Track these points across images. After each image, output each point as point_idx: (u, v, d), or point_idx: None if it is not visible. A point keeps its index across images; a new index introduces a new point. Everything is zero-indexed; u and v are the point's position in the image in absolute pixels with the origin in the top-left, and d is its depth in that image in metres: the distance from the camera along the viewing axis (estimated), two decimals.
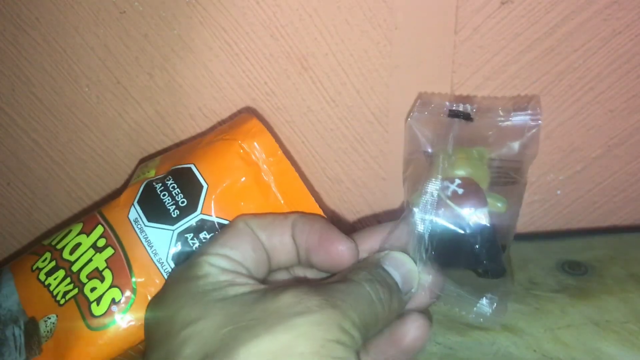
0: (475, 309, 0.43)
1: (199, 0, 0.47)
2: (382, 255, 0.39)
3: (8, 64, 0.51)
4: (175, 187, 0.42)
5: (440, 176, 0.43)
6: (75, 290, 0.40)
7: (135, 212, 0.42)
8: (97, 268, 0.40)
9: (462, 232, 0.43)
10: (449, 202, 0.43)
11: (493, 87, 0.50)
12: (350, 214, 0.57)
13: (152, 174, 0.44)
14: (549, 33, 0.47)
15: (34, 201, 0.57)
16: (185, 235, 0.40)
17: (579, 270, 0.50)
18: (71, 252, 0.42)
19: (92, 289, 0.40)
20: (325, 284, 0.35)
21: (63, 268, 0.41)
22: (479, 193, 0.44)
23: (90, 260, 0.41)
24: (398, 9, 0.47)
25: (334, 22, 0.47)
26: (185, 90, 0.51)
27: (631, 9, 0.46)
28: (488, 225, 0.43)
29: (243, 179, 0.42)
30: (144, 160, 0.52)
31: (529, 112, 0.46)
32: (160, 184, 0.42)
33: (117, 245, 0.41)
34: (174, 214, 0.41)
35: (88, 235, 0.42)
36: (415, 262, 0.39)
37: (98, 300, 0.39)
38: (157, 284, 0.40)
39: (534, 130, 0.46)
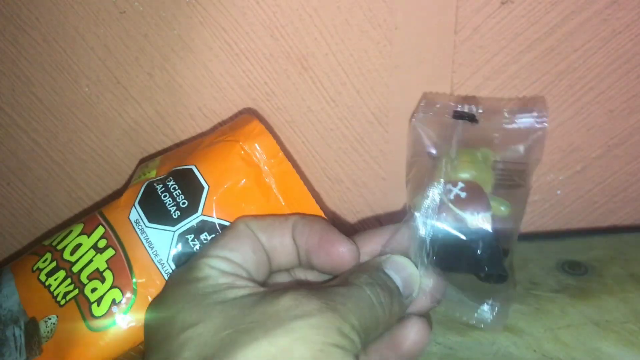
0: (476, 314, 0.43)
1: (199, 0, 0.47)
2: (384, 258, 0.39)
3: (8, 64, 0.51)
4: (176, 188, 0.42)
5: (442, 180, 0.43)
6: (76, 291, 0.40)
7: (136, 213, 0.42)
8: (97, 269, 0.40)
9: (463, 236, 0.42)
10: (451, 205, 0.43)
11: (493, 87, 0.50)
12: (350, 214, 0.57)
13: (152, 174, 0.44)
14: (549, 33, 0.47)
15: (34, 201, 0.57)
16: (186, 236, 0.40)
17: (579, 270, 0.50)
18: (72, 253, 0.42)
19: (93, 290, 0.40)
20: (326, 287, 0.35)
21: (64, 269, 0.41)
22: (482, 197, 0.44)
23: (91, 261, 0.41)
24: (398, 9, 0.47)
25: (334, 22, 0.47)
26: (185, 90, 0.51)
27: (631, 9, 0.46)
28: (490, 230, 0.43)
29: (244, 180, 0.42)
30: (144, 160, 0.52)
31: (535, 114, 0.46)
32: (161, 185, 0.42)
33: (118, 246, 0.41)
34: (174, 215, 0.41)
35: (89, 236, 0.42)
36: (417, 266, 0.39)
37: (99, 301, 0.39)
38: (158, 285, 0.40)
39: (539, 133, 0.45)
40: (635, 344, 0.43)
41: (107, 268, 0.40)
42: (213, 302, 0.33)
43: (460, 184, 0.44)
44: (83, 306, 0.40)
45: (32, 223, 0.58)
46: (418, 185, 0.45)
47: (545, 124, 0.45)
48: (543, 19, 0.47)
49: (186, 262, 0.38)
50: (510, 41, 0.48)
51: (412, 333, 0.37)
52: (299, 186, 0.43)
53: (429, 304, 0.40)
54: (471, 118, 0.46)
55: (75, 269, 0.41)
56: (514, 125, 0.46)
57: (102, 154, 0.54)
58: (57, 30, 0.49)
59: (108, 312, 0.39)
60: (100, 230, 0.42)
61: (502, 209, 0.44)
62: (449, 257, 0.42)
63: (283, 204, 0.42)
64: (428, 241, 0.41)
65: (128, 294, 0.40)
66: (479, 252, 0.42)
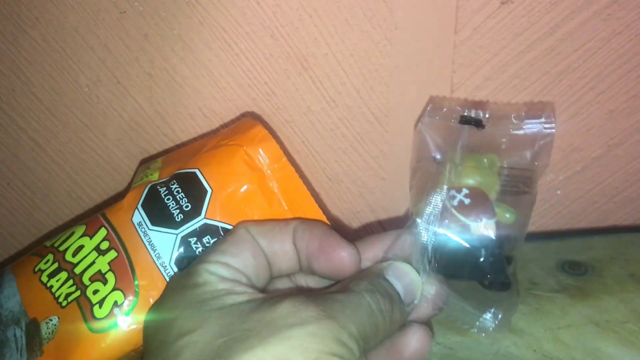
0: (478, 322, 0.42)
1: (199, 0, 0.47)
2: (385, 265, 0.38)
3: (8, 64, 0.51)
4: (180, 191, 0.42)
5: (446, 186, 0.42)
6: (78, 293, 0.40)
7: (139, 216, 0.42)
8: (100, 270, 0.40)
9: (466, 243, 0.42)
10: (455, 212, 0.42)
11: (493, 87, 0.50)
12: (350, 214, 0.57)
13: (155, 177, 0.44)
14: (549, 33, 0.47)
15: (34, 201, 0.57)
16: (189, 240, 0.41)
17: (579, 270, 0.50)
18: (74, 254, 0.42)
19: (95, 292, 0.40)
20: (325, 293, 0.34)
21: (66, 270, 0.41)
22: (486, 204, 0.43)
23: (93, 262, 0.41)
24: (398, 9, 0.47)
25: (334, 22, 0.47)
26: (185, 90, 0.51)
27: (631, 9, 0.46)
28: (493, 237, 0.42)
29: (247, 184, 0.42)
30: (145, 161, 0.52)
31: (543, 119, 0.45)
32: (164, 188, 0.42)
33: (121, 248, 0.41)
34: (177, 218, 0.41)
35: (91, 237, 0.42)
36: (419, 273, 0.39)
37: (100, 302, 0.39)
38: (160, 287, 0.39)
39: (547, 139, 0.45)
40: (635, 344, 0.43)
41: (110, 270, 0.40)
42: (211, 308, 0.33)
43: (465, 190, 0.43)
44: (85, 308, 0.40)
45: (32, 223, 0.58)
46: (422, 190, 0.45)
47: (553, 129, 0.45)
48: (543, 19, 0.47)
49: (186, 268, 0.37)
50: (510, 41, 0.48)
51: (413, 341, 0.37)
52: (302, 191, 0.43)
53: (430, 312, 0.39)
54: (478, 123, 0.46)
55: (78, 270, 0.41)
56: (522, 131, 0.46)
57: (102, 154, 0.54)
58: (57, 30, 0.49)
59: (110, 314, 0.39)
60: (102, 232, 0.42)
61: (507, 216, 0.44)
62: (452, 264, 0.41)
63: (286, 208, 0.42)
64: (430, 248, 0.40)
65: (130, 296, 0.40)
66: (481, 259, 0.42)
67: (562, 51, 0.48)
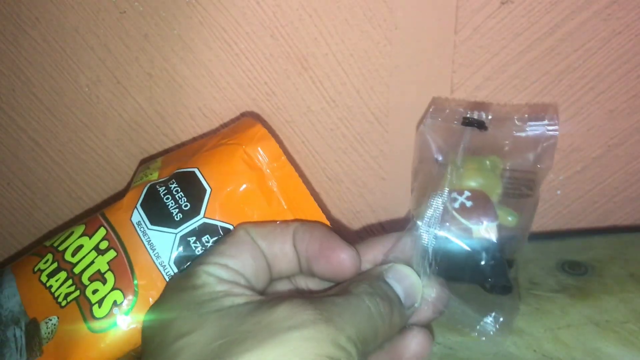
0: (478, 327, 0.42)
1: (199, 0, 0.47)
2: (385, 267, 0.38)
3: (8, 64, 0.51)
4: (179, 190, 0.42)
5: (447, 188, 0.42)
6: (77, 292, 0.40)
7: (138, 215, 0.42)
8: (99, 270, 0.40)
9: (467, 246, 0.42)
10: (456, 214, 0.42)
11: (493, 87, 0.50)
12: (350, 214, 0.57)
13: (155, 176, 0.44)
14: (549, 33, 0.47)
15: (34, 201, 0.57)
16: (188, 239, 0.40)
17: (579, 270, 0.50)
18: (73, 254, 0.42)
19: (94, 291, 0.40)
20: (323, 296, 0.34)
21: (65, 270, 0.41)
22: (488, 206, 0.43)
23: (92, 262, 0.41)
24: (398, 9, 0.47)
25: (334, 22, 0.47)
26: (185, 90, 0.51)
27: (631, 9, 0.46)
28: (494, 241, 0.42)
29: (247, 183, 0.42)
30: (145, 161, 0.52)
31: (546, 122, 0.45)
32: (163, 187, 0.42)
33: (120, 247, 0.41)
34: (177, 217, 0.41)
35: (90, 237, 0.42)
36: (419, 276, 0.38)
37: (100, 302, 0.39)
38: (159, 287, 0.39)
39: (550, 141, 0.45)
40: (635, 344, 0.43)
41: (109, 270, 0.40)
42: (208, 310, 0.33)
43: (467, 193, 0.43)
44: (84, 307, 0.40)
45: (32, 223, 0.58)
46: (423, 193, 0.44)
47: (556, 132, 0.45)
48: (543, 19, 0.47)
49: (185, 269, 0.37)
50: (510, 41, 0.48)
51: (413, 344, 0.37)
52: (301, 190, 0.43)
53: (431, 315, 0.39)
54: (480, 125, 0.46)
55: (77, 270, 0.41)
56: (524, 133, 0.45)
57: (102, 154, 0.54)
58: (57, 30, 0.49)
59: (109, 314, 0.39)
60: (101, 232, 0.42)
61: (510, 219, 0.44)
62: (452, 267, 0.41)
63: (285, 207, 0.42)
64: (431, 250, 0.40)
65: (129, 296, 0.40)
66: (482, 263, 0.42)
67: (562, 51, 0.48)
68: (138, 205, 0.42)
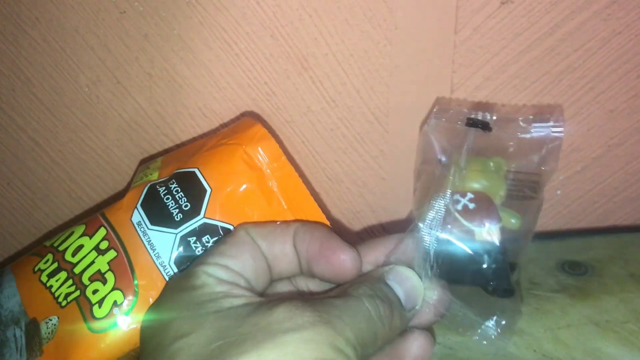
0: (480, 330, 0.41)
1: (199, 0, 0.47)
2: (387, 269, 0.37)
3: (8, 64, 0.51)
4: (179, 190, 0.42)
5: (450, 190, 0.42)
6: (77, 292, 0.40)
7: (138, 215, 0.42)
8: (99, 270, 0.40)
9: (469, 249, 0.41)
10: (458, 216, 0.42)
11: (493, 87, 0.50)
12: (350, 214, 0.57)
13: (155, 176, 0.44)
14: (549, 33, 0.47)
15: (34, 201, 0.57)
16: (188, 239, 0.40)
17: (579, 270, 0.50)
18: (73, 254, 0.42)
19: (94, 291, 0.40)
20: (323, 298, 0.34)
21: (65, 270, 0.41)
22: (491, 208, 0.43)
23: (92, 262, 0.41)
24: (398, 9, 0.47)
25: (334, 22, 0.47)
26: (185, 90, 0.51)
27: (631, 9, 0.46)
28: (497, 243, 0.41)
29: (247, 183, 0.42)
30: (145, 161, 0.52)
31: (551, 123, 0.45)
32: (163, 187, 0.42)
33: (120, 247, 0.41)
34: (177, 217, 0.41)
35: (91, 237, 0.42)
36: (421, 278, 0.38)
37: (100, 302, 0.39)
38: (159, 287, 0.39)
39: (555, 143, 0.44)
40: (635, 344, 0.43)
41: (109, 270, 0.40)
42: (207, 311, 0.33)
43: (470, 195, 0.43)
44: (84, 307, 0.40)
45: (32, 223, 0.58)
46: (425, 194, 0.44)
47: (561, 134, 0.44)
48: (543, 19, 0.47)
49: (184, 269, 0.37)
50: (510, 41, 0.48)
51: (414, 347, 0.37)
52: (301, 190, 0.43)
53: (432, 318, 0.38)
54: (484, 126, 0.45)
55: (77, 270, 0.41)
56: (529, 135, 0.45)
57: (102, 154, 0.54)
58: (57, 30, 0.49)
59: (109, 314, 0.39)
60: (102, 232, 0.42)
61: (513, 222, 0.43)
62: (454, 270, 0.41)
63: (285, 207, 0.42)
64: (432, 252, 0.39)
65: (129, 296, 0.40)
66: (484, 265, 0.41)
67: (562, 51, 0.48)
68: (138, 205, 0.42)
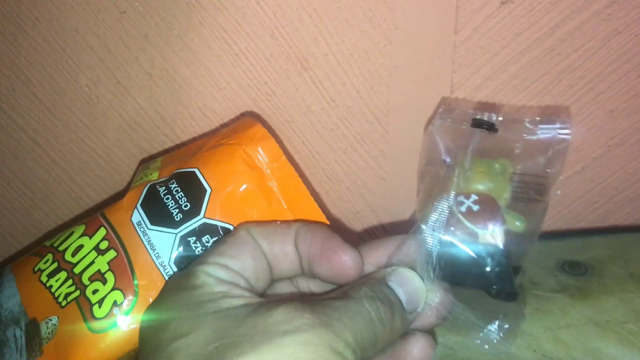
0: (482, 334, 0.41)
1: (199, 0, 0.47)
2: (389, 270, 0.37)
3: (8, 64, 0.51)
4: (179, 190, 0.42)
5: (454, 192, 0.41)
6: (77, 292, 0.40)
7: (138, 215, 0.42)
8: (99, 270, 0.40)
9: (472, 252, 0.41)
10: (462, 218, 0.41)
11: (493, 87, 0.50)
12: (350, 214, 0.57)
13: (155, 176, 0.44)
14: (549, 33, 0.47)
15: (34, 201, 0.57)
16: (188, 239, 0.40)
17: (579, 270, 0.50)
18: (73, 254, 0.42)
19: (94, 291, 0.40)
20: (323, 300, 0.33)
21: (65, 270, 0.41)
22: (495, 211, 0.42)
23: (92, 262, 0.41)
24: (398, 9, 0.47)
25: (334, 22, 0.47)
26: (185, 90, 0.51)
27: (631, 9, 0.46)
28: (501, 247, 0.41)
29: (247, 183, 0.42)
30: (145, 161, 0.52)
31: (558, 125, 0.44)
32: (163, 187, 0.42)
33: (120, 247, 0.41)
34: (177, 217, 0.41)
35: (91, 237, 0.42)
36: (423, 280, 0.37)
37: (100, 302, 0.39)
38: (159, 287, 0.39)
39: (562, 145, 0.44)
40: (635, 344, 0.43)
41: (109, 270, 0.40)
42: (206, 311, 0.32)
43: (474, 196, 0.42)
44: (84, 307, 0.40)
45: (32, 223, 0.58)
46: (429, 195, 0.43)
47: (568, 136, 0.43)
48: (543, 19, 0.47)
49: (185, 268, 0.37)
50: (510, 41, 0.48)
51: (416, 350, 0.36)
52: (301, 190, 0.43)
53: (434, 320, 0.38)
54: (490, 127, 0.44)
55: (77, 270, 0.41)
56: (536, 137, 0.44)
57: (102, 154, 0.54)
58: (57, 30, 0.49)
59: (109, 314, 0.39)
60: (102, 232, 0.42)
61: (517, 224, 0.43)
62: (457, 273, 0.40)
63: (285, 207, 0.42)
64: (435, 254, 0.39)
65: (129, 296, 0.40)
66: (487, 268, 0.41)
67: (562, 51, 0.48)
68: (138, 205, 0.42)
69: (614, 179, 0.54)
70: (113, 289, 0.40)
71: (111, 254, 0.41)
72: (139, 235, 0.41)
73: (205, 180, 0.42)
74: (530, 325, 0.46)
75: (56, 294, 0.41)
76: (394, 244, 0.39)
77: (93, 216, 0.44)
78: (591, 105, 0.50)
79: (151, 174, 0.44)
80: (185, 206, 0.41)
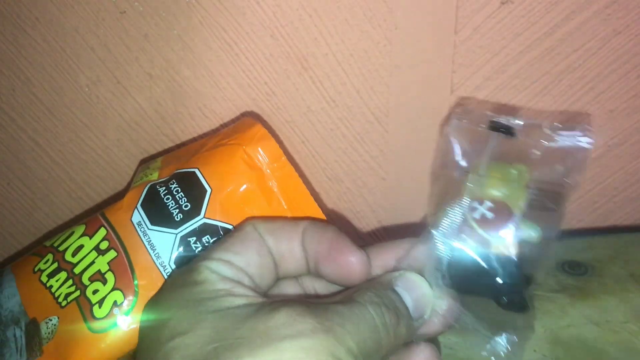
0: (488, 346, 0.39)
1: (199, 0, 0.47)
2: (396, 275, 0.36)
3: (8, 64, 0.51)
4: (179, 190, 0.42)
5: (468, 197, 0.40)
6: (77, 293, 0.40)
7: (138, 215, 0.42)
8: (99, 270, 0.40)
9: (483, 261, 0.39)
10: (475, 225, 0.40)
11: (493, 87, 0.50)
12: (350, 214, 0.57)
13: (155, 176, 0.44)
14: (549, 33, 0.47)
15: (34, 201, 0.57)
16: (188, 239, 0.40)
17: (579, 270, 0.50)
18: (74, 254, 0.42)
19: (94, 292, 0.40)
20: (326, 303, 0.32)
21: (65, 270, 0.41)
22: (510, 220, 0.40)
23: (92, 262, 0.41)
24: (398, 9, 0.47)
25: (334, 22, 0.47)
26: (185, 90, 0.51)
27: (631, 9, 0.46)
28: (513, 257, 0.39)
29: (247, 183, 0.42)
30: (145, 161, 0.52)
31: (579, 132, 0.42)
32: (164, 188, 0.42)
33: (120, 248, 0.41)
34: (177, 217, 0.41)
35: (91, 237, 0.42)
36: (431, 287, 0.36)
37: (100, 302, 0.39)
38: (159, 287, 0.39)
39: (583, 154, 0.42)
40: (635, 344, 0.43)
41: (109, 270, 0.40)
42: (207, 310, 0.32)
43: (488, 203, 0.41)
44: (84, 308, 0.40)
45: (32, 223, 0.58)
46: (442, 199, 0.42)
47: (589, 145, 0.42)
48: (543, 19, 0.47)
49: (188, 263, 0.36)
50: (510, 41, 0.48)
51: None
52: (301, 190, 0.43)
53: (440, 328, 0.37)
54: (508, 130, 0.43)
55: (77, 270, 0.41)
56: (555, 144, 0.42)
57: (102, 154, 0.54)
58: (57, 30, 0.49)
59: (109, 314, 0.39)
60: (102, 232, 0.42)
61: (532, 235, 0.41)
62: (467, 281, 0.39)
63: (285, 207, 0.42)
64: (445, 261, 0.37)
65: (129, 296, 0.40)
66: (498, 279, 0.39)
67: (562, 51, 0.48)
68: (138, 206, 0.42)
69: (614, 179, 0.54)
70: (113, 289, 0.40)
71: (111, 254, 0.41)
72: (139, 235, 0.41)
73: (206, 180, 0.42)
74: None
75: (56, 294, 0.41)
76: (403, 248, 0.38)
77: (93, 216, 0.44)
78: (591, 105, 0.50)
79: (151, 174, 0.44)
80: (186, 206, 0.41)
